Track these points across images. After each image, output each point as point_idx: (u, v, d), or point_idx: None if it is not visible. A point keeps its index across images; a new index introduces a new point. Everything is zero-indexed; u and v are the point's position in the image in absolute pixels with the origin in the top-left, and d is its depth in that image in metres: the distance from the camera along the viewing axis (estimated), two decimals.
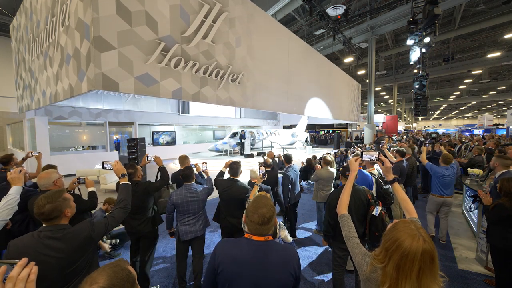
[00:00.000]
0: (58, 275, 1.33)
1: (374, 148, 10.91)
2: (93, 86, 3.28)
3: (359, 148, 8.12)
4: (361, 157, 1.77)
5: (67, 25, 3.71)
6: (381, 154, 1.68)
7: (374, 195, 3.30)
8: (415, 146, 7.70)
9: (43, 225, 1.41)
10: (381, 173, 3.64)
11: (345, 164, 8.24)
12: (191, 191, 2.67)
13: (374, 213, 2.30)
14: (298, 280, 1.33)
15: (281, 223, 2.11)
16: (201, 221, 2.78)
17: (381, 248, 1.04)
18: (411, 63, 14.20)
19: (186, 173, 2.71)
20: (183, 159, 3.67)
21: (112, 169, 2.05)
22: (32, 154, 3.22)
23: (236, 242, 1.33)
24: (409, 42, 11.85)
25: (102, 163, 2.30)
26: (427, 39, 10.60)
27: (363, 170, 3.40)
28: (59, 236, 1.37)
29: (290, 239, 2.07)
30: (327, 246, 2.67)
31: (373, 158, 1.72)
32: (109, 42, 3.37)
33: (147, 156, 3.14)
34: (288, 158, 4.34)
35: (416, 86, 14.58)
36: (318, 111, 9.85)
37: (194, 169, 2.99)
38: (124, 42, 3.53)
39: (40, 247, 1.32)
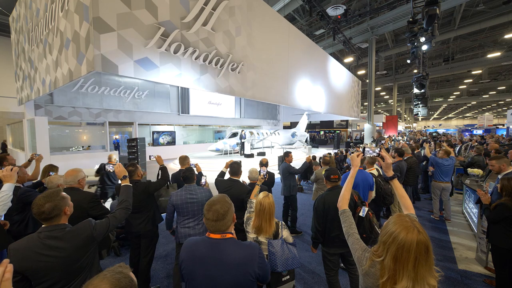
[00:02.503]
0: (60, 274, 1.34)
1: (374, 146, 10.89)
2: (92, 67, 3.25)
3: (358, 149, 8.05)
4: (363, 152, 1.80)
5: (66, 9, 3.69)
6: (382, 150, 1.70)
7: (374, 195, 3.29)
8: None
9: (42, 225, 1.40)
10: (381, 172, 3.59)
11: (344, 164, 8.11)
12: (191, 192, 2.62)
13: (361, 214, 2.27)
14: (264, 278, 1.30)
15: (283, 222, 2.04)
16: (201, 224, 2.67)
17: (379, 243, 1.09)
18: (408, 61, 14.25)
19: (187, 175, 2.67)
20: (183, 159, 3.63)
21: (114, 171, 2.09)
22: (35, 156, 3.31)
23: (197, 240, 1.33)
24: (409, 42, 11.95)
25: (105, 165, 2.30)
26: (422, 39, 10.73)
27: (364, 170, 3.38)
28: (60, 235, 1.37)
29: (291, 239, 2.00)
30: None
31: (374, 154, 1.75)
32: (108, 23, 3.34)
33: (149, 155, 3.18)
34: (285, 155, 4.45)
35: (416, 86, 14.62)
36: (318, 105, 9.81)
37: (194, 169, 2.96)
38: (124, 25, 3.50)
39: (40, 248, 1.31)
